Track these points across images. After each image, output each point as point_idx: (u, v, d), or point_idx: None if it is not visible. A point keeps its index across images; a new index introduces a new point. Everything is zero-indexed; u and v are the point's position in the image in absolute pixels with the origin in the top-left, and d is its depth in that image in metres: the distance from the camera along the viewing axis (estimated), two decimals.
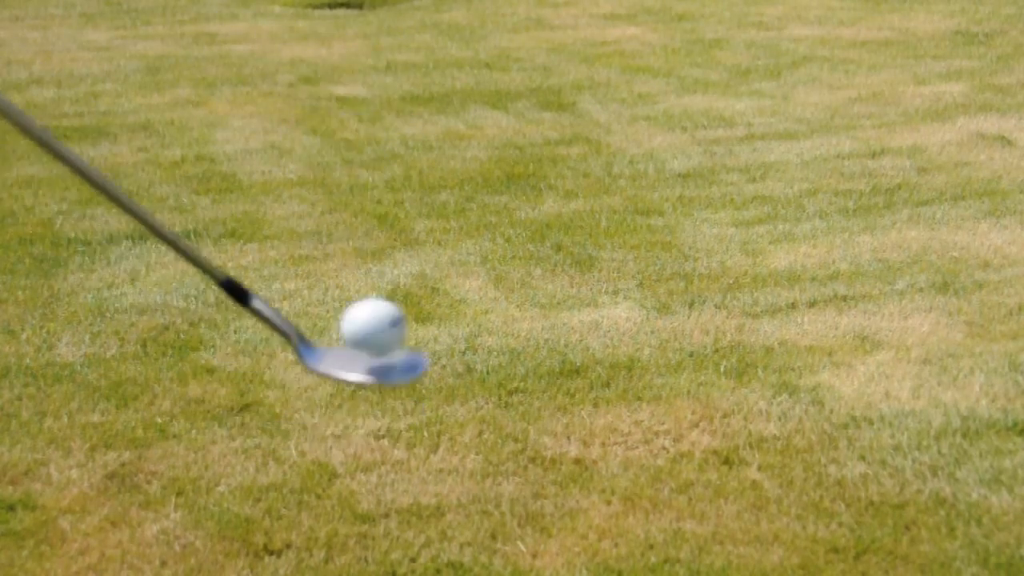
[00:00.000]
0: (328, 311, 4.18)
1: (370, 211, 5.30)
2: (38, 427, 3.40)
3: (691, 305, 4.19)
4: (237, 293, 1.83)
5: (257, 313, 1.85)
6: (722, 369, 3.69)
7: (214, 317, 4.15)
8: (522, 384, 3.61)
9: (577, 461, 3.18)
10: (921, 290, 4.30)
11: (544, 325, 4.03)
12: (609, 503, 2.99)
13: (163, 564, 2.79)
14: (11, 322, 4.13)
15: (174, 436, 3.34)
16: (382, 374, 1.84)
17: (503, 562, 2.77)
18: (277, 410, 3.48)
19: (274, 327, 1.87)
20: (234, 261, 4.68)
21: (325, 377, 1.86)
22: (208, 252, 4.78)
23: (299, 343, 1.87)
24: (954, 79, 7.85)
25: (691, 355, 3.80)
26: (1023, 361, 3.71)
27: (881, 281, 4.39)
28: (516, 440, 3.29)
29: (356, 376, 1.83)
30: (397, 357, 1.86)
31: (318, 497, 3.03)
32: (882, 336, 3.93)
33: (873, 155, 6.07)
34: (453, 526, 2.91)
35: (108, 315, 4.16)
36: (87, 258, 4.74)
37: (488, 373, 3.68)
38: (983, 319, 4.05)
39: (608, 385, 3.60)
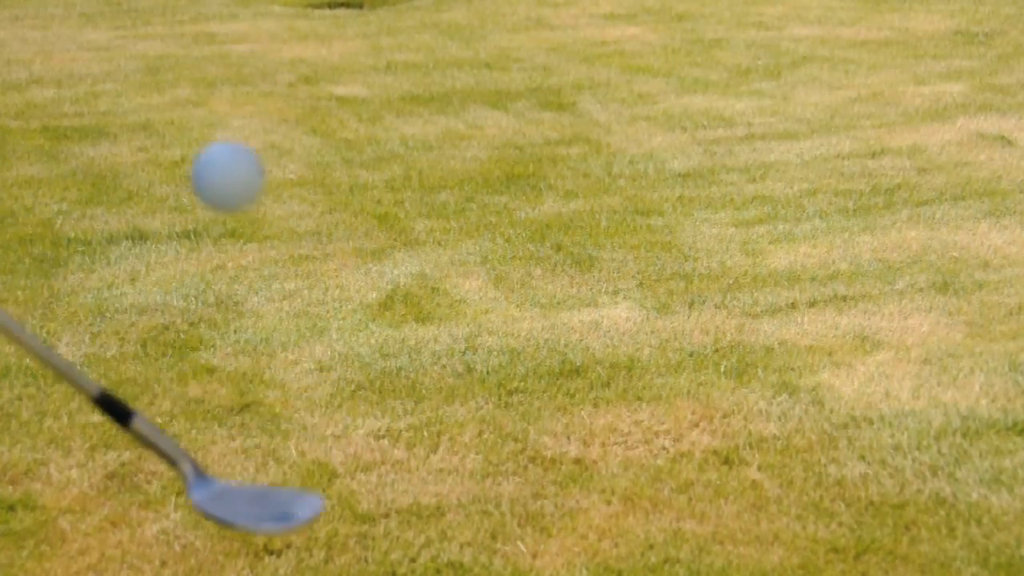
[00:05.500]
0: (328, 311, 4.18)
1: (370, 211, 5.30)
2: (38, 427, 3.40)
3: (691, 305, 4.19)
4: (115, 411, 1.64)
5: (138, 436, 1.67)
6: (722, 369, 3.69)
7: (214, 317, 4.15)
8: (522, 384, 3.61)
9: (577, 461, 3.18)
10: (921, 290, 4.30)
11: (544, 325, 4.03)
12: (609, 503, 2.99)
13: (163, 564, 2.79)
14: None
15: (174, 436, 3.33)
16: (274, 518, 1.74)
17: (503, 562, 2.78)
18: (277, 410, 3.48)
19: (159, 452, 1.70)
20: (234, 261, 4.68)
21: (210, 519, 1.71)
22: (208, 252, 4.78)
23: (192, 472, 1.70)
24: (954, 79, 7.85)
25: (691, 355, 3.80)
26: (1023, 361, 3.71)
27: (881, 281, 4.39)
28: (516, 440, 3.29)
29: (245, 523, 1.73)
30: (293, 504, 1.77)
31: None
32: (882, 336, 3.93)
33: (873, 155, 6.06)
34: (453, 526, 2.91)
35: (108, 315, 4.16)
36: (87, 258, 4.74)
37: (488, 373, 3.68)
38: (983, 319, 4.05)
39: (608, 385, 3.60)
